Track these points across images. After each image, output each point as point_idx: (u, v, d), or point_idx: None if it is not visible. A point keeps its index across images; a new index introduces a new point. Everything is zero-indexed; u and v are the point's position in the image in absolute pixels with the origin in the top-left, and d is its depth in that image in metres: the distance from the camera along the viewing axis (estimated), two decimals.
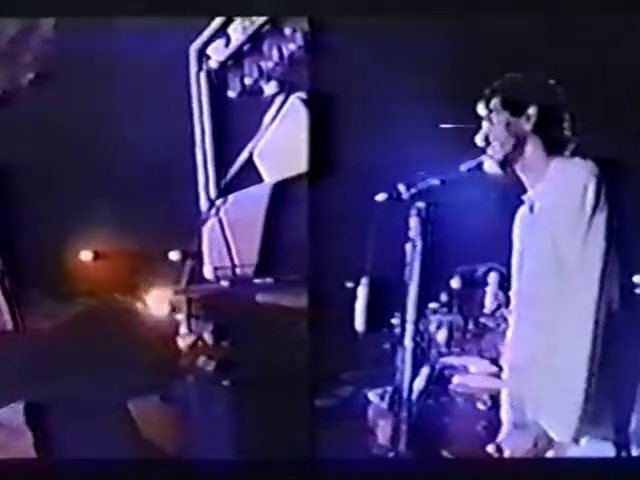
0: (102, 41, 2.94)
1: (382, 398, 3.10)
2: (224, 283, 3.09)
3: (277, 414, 3.04)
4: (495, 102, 2.97)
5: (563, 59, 2.94)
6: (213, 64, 3.03)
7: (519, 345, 3.05)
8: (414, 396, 3.09)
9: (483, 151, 3.00)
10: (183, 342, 3.09)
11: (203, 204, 3.06)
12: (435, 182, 2.99)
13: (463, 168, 2.99)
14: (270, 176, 3.06)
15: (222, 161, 3.05)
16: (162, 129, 2.99)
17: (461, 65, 2.96)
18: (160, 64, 2.96)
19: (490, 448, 3.07)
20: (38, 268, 3.04)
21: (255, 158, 3.06)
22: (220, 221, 3.07)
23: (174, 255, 3.06)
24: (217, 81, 3.03)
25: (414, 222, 3.04)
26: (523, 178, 3.02)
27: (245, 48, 3.03)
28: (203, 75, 3.01)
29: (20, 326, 3.08)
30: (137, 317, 3.07)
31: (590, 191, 2.97)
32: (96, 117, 2.99)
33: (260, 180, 3.07)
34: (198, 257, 3.07)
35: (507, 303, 3.06)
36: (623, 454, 3.06)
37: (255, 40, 3.02)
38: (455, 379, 3.10)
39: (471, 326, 3.09)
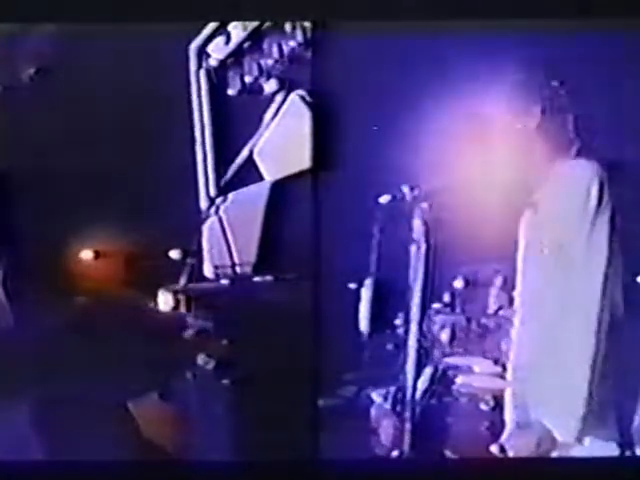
0: (101, 39, 2.93)
1: (385, 398, 3.09)
2: (224, 281, 3.08)
3: (279, 414, 3.03)
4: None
5: (567, 60, 2.94)
6: (213, 62, 3.01)
7: (523, 345, 3.04)
8: (417, 396, 3.09)
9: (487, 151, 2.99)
10: (183, 340, 3.07)
11: (203, 202, 3.04)
12: (439, 183, 2.98)
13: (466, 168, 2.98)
14: (270, 174, 3.05)
15: (222, 159, 3.04)
16: (162, 127, 2.97)
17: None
18: (160, 62, 2.94)
19: (493, 448, 3.07)
20: (38, 267, 3.02)
21: (255, 156, 3.05)
22: (220, 219, 3.06)
23: (174, 254, 3.05)
24: (217, 79, 3.02)
25: (418, 223, 3.03)
26: (527, 179, 3.00)
27: (245, 46, 3.01)
28: (203, 73, 3.00)
29: (20, 324, 3.06)
30: (137, 316, 3.05)
31: (593, 192, 2.97)
32: (96, 116, 2.98)
33: (260, 178, 3.05)
34: (198, 255, 3.06)
35: (511, 303, 3.05)
36: (627, 454, 3.06)
37: (255, 38, 3.01)
38: (458, 379, 3.09)
39: (474, 326, 3.08)
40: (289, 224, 3.04)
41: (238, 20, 2.97)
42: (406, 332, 3.07)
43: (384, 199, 3.01)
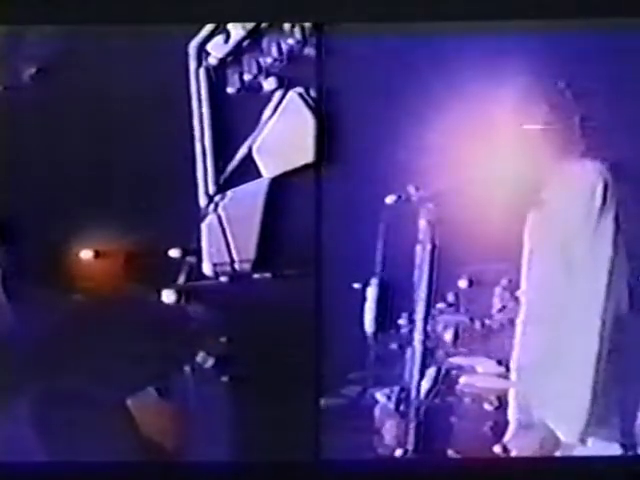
0: (101, 39, 2.93)
1: (389, 398, 3.09)
2: (223, 279, 3.06)
3: (280, 413, 3.02)
4: None
5: (573, 61, 2.93)
6: (212, 61, 3.01)
7: (526, 346, 3.04)
8: (421, 396, 3.08)
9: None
10: (183, 338, 3.06)
11: (202, 200, 3.03)
12: (444, 184, 2.98)
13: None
14: (269, 172, 3.04)
15: (221, 157, 3.03)
16: (161, 126, 2.97)
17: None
18: (159, 61, 2.94)
19: (497, 448, 3.07)
20: (38, 267, 3.01)
21: (254, 154, 3.04)
22: (219, 217, 3.05)
23: (174, 252, 3.04)
24: (216, 77, 3.01)
25: (423, 223, 3.03)
26: (532, 179, 2.99)
27: (244, 44, 3.01)
28: (202, 72, 2.99)
29: (20, 324, 3.05)
30: (137, 315, 3.04)
31: (598, 192, 2.97)
32: (96, 115, 2.97)
33: (259, 176, 3.05)
34: (197, 253, 3.05)
35: (515, 304, 3.04)
36: (630, 454, 3.06)
37: (254, 36, 3.00)
38: (462, 379, 3.09)
39: (478, 327, 3.08)
40: (292, 222, 3.03)
41: (237, 21, 2.97)
42: (410, 332, 3.07)
43: (390, 199, 3.01)
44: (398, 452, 3.09)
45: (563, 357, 2.98)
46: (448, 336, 3.07)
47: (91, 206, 2.99)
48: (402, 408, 3.08)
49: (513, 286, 3.03)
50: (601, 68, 2.93)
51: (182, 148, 2.99)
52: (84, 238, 3.01)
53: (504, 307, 3.04)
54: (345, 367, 3.05)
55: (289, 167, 3.01)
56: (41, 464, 3.06)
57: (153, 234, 3.01)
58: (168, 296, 3.04)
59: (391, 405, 3.08)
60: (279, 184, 3.03)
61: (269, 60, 3.00)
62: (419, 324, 3.06)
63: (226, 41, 2.99)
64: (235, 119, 3.02)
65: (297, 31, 2.98)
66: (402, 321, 3.07)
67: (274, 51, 3.00)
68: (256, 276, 3.04)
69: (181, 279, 3.05)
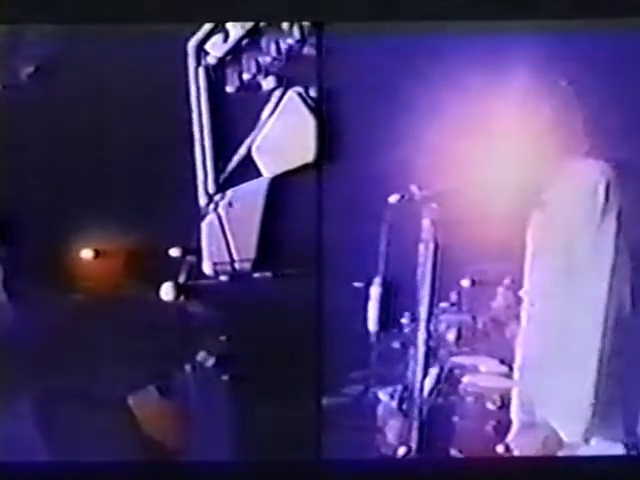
0: (100, 38, 2.90)
1: (392, 397, 3.08)
2: (223, 278, 3.06)
3: (282, 413, 3.02)
4: None
5: (575, 60, 2.91)
6: (211, 60, 2.99)
7: (529, 345, 3.04)
8: (424, 395, 3.08)
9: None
10: (183, 337, 3.06)
11: (202, 199, 3.02)
12: (447, 183, 2.97)
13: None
14: (269, 171, 3.03)
15: (220, 156, 3.02)
16: (160, 125, 2.95)
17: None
18: (158, 60, 2.92)
19: (500, 448, 3.07)
20: (38, 266, 3.00)
21: (253, 153, 3.03)
22: (219, 216, 3.04)
23: (175, 252, 3.03)
24: (215, 77, 3.00)
25: (426, 223, 3.02)
26: (535, 179, 2.98)
27: (243, 43, 2.99)
28: (201, 71, 2.98)
29: (21, 323, 3.05)
30: (138, 314, 3.03)
31: (601, 192, 2.96)
32: (95, 113, 2.95)
33: (259, 175, 3.03)
34: (197, 253, 3.04)
35: (517, 303, 3.03)
36: (633, 453, 3.06)
37: (253, 35, 2.98)
38: (465, 378, 3.09)
39: (481, 326, 3.07)
40: (293, 221, 3.02)
41: (237, 20, 2.94)
42: (413, 331, 3.06)
43: (393, 198, 3.00)
44: (401, 451, 3.10)
45: (566, 356, 2.98)
46: (451, 335, 3.06)
47: (91, 205, 2.98)
48: (405, 407, 3.08)
49: (516, 286, 3.02)
50: (604, 67, 2.91)
51: (181, 147, 2.97)
52: (84, 237, 3.00)
53: (507, 306, 3.04)
54: (348, 366, 3.05)
55: (288, 167, 3.00)
56: (43, 463, 3.07)
57: (153, 233, 3.00)
58: (168, 295, 3.03)
59: (394, 404, 3.08)
60: (280, 183, 3.01)
61: (268, 59, 2.98)
62: (422, 323, 3.06)
63: (225, 40, 2.97)
64: (234, 118, 3.00)
65: (296, 30, 2.96)
66: (405, 320, 3.06)
67: (273, 50, 2.98)
68: (257, 275, 3.04)
69: (181, 278, 3.05)
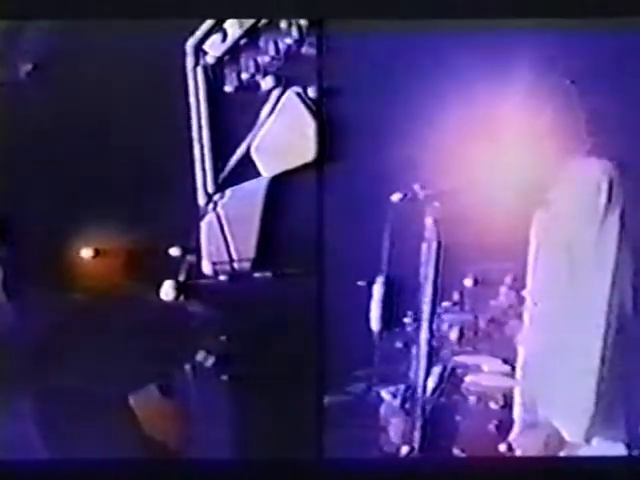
0: (99, 36, 2.89)
1: (395, 396, 3.08)
2: (223, 278, 3.05)
3: (284, 412, 3.02)
4: None
5: (578, 60, 2.90)
6: (210, 59, 2.98)
7: (532, 344, 3.03)
8: (427, 394, 3.08)
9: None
10: (183, 337, 3.05)
11: (201, 199, 3.02)
12: (450, 182, 2.96)
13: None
14: (267, 170, 3.02)
15: (219, 156, 3.01)
16: (160, 125, 2.94)
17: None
18: (157, 60, 2.91)
19: (502, 447, 3.07)
20: (39, 265, 2.99)
21: (252, 152, 3.02)
22: (218, 216, 3.03)
23: (174, 251, 3.03)
24: (214, 76, 2.99)
25: (429, 222, 3.01)
26: (538, 178, 2.96)
27: (241, 43, 2.98)
28: (200, 70, 2.96)
29: (21, 322, 3.04)
30: (138, 313, 3.02)
31: (603, 191, 2.95)
32: (94, 113, 2.95)
33: (257, 174, 3.02)
34: (197, 252, 3.04)
35: (520, 302, 3.03)
36: (634, 453, 3.06)
37: (251, 35, 2.97)
38: (467, 378, 3.09)
39: (483, 325, 3.06)
40: (294, 221, 3.01)
41: (235, 18, 2.94)
42: (416, 330, 3.06)
43: (395, 197, 2.99)
44: (403, 450, 3.10)
45: (568, 356, 2.97)
46: (453, 335, 3.06)
47: (91, 205, 2.97)
48: (407, 406, 3.08)
49: (518, 285, 3.01)
50: (607, 67, 2.89)
51: (180, 147, 2.96)
52: (84, 237, 2.99)
53: (509, 306, 3.03)
54: (350, 365, 3.05)
55: (288, 166, 2.99)
56: (44, 461, 3.07)
57: (153, 233, 2.99)
58: (168, 295, 3.02)
59: (396, 403, 3.08)
60: (280, 183, 3.00)
61: (267, 59, 2.98)
62: (424, 322, 3.05)
63: (223, 40, 2.96)
64: (233, 118, 2.99)
65: (294, 29, 2.95)
66: (408, 319, 3.06)
67: (272, 50, 2.97)
68: (257, 275, 3.03)
69: (181, 277, 3.04)
